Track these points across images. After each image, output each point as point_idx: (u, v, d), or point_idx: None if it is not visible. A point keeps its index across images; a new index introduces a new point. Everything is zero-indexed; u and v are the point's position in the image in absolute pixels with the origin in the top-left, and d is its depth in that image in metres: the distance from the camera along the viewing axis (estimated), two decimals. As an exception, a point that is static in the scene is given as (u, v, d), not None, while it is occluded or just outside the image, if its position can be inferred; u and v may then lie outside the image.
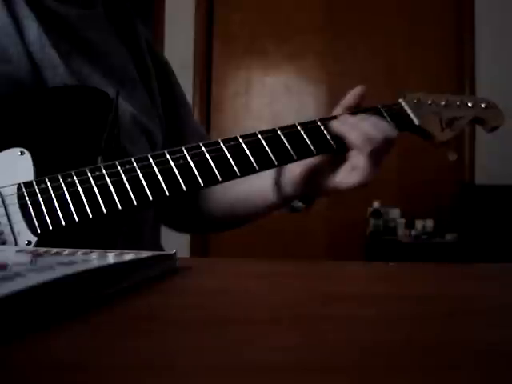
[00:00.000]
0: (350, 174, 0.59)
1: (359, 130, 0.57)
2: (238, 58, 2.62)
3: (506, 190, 2.23)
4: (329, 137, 0.58)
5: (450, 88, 2.44)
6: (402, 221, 2.37)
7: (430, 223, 2.34)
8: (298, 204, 0.66)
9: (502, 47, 2.46)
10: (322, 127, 0.59)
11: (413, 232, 2.34)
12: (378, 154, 0.57)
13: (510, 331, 0.19)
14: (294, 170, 0.63)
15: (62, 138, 0.57)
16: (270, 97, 2.61)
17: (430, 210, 2.42)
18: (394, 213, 2.42)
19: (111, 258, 0.27)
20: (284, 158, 0.57)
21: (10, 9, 0.60)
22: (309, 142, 0.58)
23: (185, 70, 2.53)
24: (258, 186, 0.68)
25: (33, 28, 0.61)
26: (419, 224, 2.36)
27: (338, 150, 0.59)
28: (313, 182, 0.62)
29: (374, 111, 0.62)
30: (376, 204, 2.35)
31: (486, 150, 2.38)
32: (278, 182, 0.65)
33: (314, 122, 0.59)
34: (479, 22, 2.48)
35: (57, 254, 0.29)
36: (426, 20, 2.55)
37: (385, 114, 0.62)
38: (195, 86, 2.59)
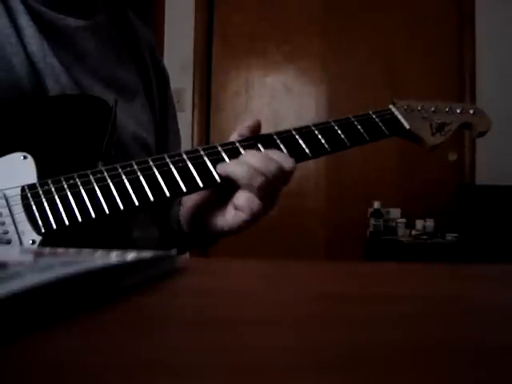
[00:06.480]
0: (235, 213, 0.56)
1: (246, 165, 0.54)
2: (238, 58, 2.63)
3: (506, 190, 2.23)
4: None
5: (450, 89, 2.45)
6: (402, 221, 2.37)
7: (430, 223, 2.34)
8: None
9: (502, 47, 2.46)
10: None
11: (413, 232, 2.34)
12: (270, 187, 0.54)
13: (509, 331, 0.19)
14: (187, 206, 0.62)
15: (64, 143, 0.58)
16: (269, 97, 2.61)
17: (430, 210, 2.43)
18: (395, 213, 2.42)
19: (112, 258, 0.27)
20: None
21: (12, 19, 0.61)
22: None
23: (185, 70, 2.53)
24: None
25: (34, 38, 0.61)
26: (419, 224, 2.36)
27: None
28: (203, 220, 0.60)
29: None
30: (376, 204, 2.35)
31: (486, 150, 2.38)
32: (177, 219, 0.65)
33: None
34: (479, 22, 2.48)
35: (60, 254, 0.29)
36: (426, 21, 2.55)
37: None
38: (195, 86, 2.59)
